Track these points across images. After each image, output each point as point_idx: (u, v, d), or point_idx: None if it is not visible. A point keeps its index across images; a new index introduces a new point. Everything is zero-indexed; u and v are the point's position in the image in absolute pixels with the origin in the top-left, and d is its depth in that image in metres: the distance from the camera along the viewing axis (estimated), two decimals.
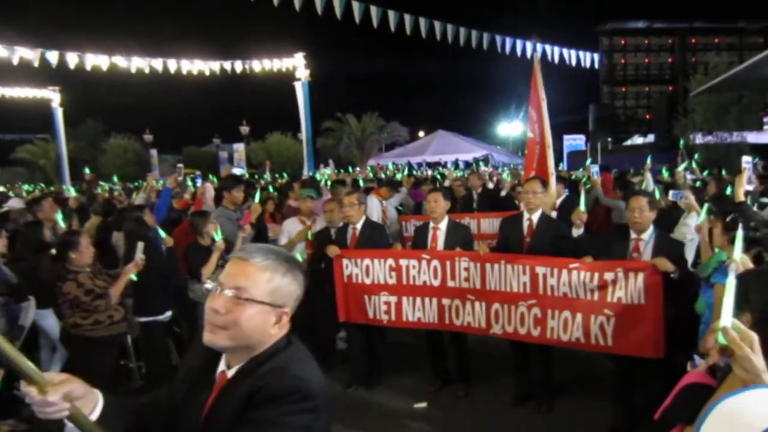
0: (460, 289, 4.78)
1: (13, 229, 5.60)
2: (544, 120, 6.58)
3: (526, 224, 4.79)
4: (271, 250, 1.55)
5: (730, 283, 1.40)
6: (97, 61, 18.71)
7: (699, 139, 22.71)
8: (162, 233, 5.12)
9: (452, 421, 4.58)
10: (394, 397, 5.02)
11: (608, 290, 4.11)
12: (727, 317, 1.36)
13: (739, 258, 2.14)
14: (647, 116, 51.51)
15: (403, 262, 4.97)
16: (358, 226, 5.29)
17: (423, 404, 4.85)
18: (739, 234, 2.11)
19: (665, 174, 10.11)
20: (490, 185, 9.39)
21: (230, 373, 1.51)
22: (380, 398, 5.03)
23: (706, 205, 4.67)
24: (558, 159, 21.47)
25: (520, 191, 5.47)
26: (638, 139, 41.62)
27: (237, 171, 22.11)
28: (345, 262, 5.16)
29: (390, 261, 5.02)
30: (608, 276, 4.10)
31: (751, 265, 2.22)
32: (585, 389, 4.98)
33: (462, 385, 5.06)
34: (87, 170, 16.21)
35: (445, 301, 4.84)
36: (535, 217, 4.77)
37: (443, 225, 5.08)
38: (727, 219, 3.47)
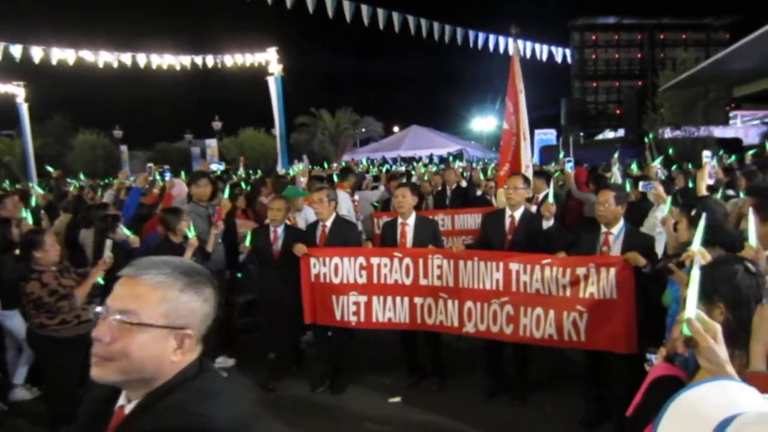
0: (432, 288, 4.73)
1: None
2: (521, 112, 6.56)
3: (508, 221, 4.77)
4: (167, 262, 1.33)
5: (694, 275, 1.42)
6: (63, 55, 18.21)
7: (667, 133, 23.24)
8: (128, 232, 4.97)
9: (427, 415, 4.59)
10: (367, 394, 5.01)
11: (580, 286, 4.13)
12: (691, 308, 1.37)
13: (698, 249, 2.18)
14: (617, 111, 52.42)
15: (374, 261, 4.88)
16: (328, 223, 5.16)
17: (397, 399, 4.86)
18: (701, 226, 2.15)
19: (635, 168, 10.31)
20: (464, 183, 9.38)
21: (128, 408, 1.30)
22: (354, 395, 5.02)
23: (669, 198, 4.76)
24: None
25: (491, 186, 5.47)
26: (609, 134, 42.34)
27: (215, 166, 21.80)
28: (312, 261, 5.03)
29: (360, 259, 4.91)
30: (580, 271, 4.12)
31: (709, 257, 2.27)
32: (557, 382, 5.04)
33: (436, 379, 5.06)
34: (51, 168, 15.74)
35: (417, 300, 4.78)
36: (518, 213, 4.74)
37: (411, 221, 5.03)
38: (692, 213, 3.55)
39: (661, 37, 57.92)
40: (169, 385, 1.28)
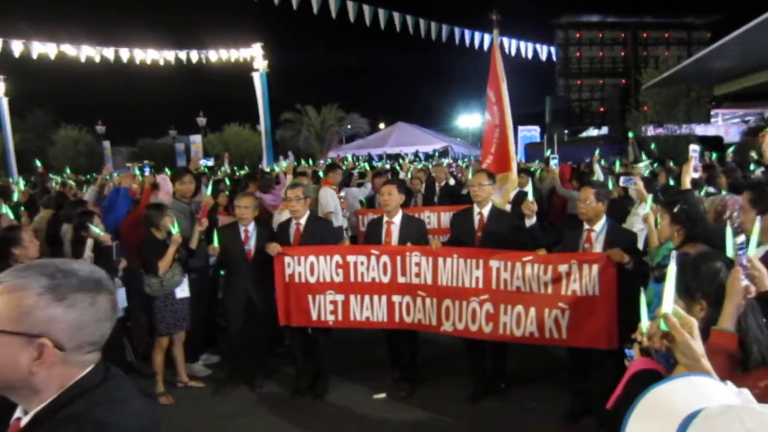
0: (410, 285, 4.63)
1: None
2: (504, 102, 6.26)
3: (476, 218, 4.71)
4: (36, 266, 1.22)
5: (671, 271, 1.45)
6: (44, 49, 17.94)
7: (650, 131, 23.57)
8: (97, 230, 4.81)
9: (411, 411, 4.61)
10: (351, 391, 5.00)
11: (562, 283, 4.11)
12: (668, 304, 1.40)
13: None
14: (601, 109, 52.93)
15: (350, 259, 4.75)
16: (302, 221, 4.98)
17: (382, 395, 4.86)
18: (669, 277, 1.69)
19: (618, 165, 10.42)
20: (452, 181, 9.36)
21: (24, 421, 1.23)
22: (338, 392, 5.00)
23: (650, 196, 4.82)
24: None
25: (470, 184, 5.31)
26: (593, 131, 42.79)
27: (204, 162, 21.62)
28: (287, 260, 4.86)
29: (337, 258, 4.77)
30: (562, 268, 4.11)
31: (688, 317, 2.22)
32: (539, 376, 5.07)
33: (406, 385, 4.87)
34: (38, 163, 15.48)
35: (395, 299, 4.67)
36: (486, 210, 4.69)
37: (397, 219, 4.88)
38: (674, 210, 3.58)
39: (644, 35, 58.61)
40: (68, 395, 1.20)
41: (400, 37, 16.52)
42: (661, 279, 2.57)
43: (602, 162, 9.76)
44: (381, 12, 15.54)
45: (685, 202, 3.45)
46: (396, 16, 15.91)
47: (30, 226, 5.31)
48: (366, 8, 15.11)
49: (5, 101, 25.95)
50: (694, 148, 5.09)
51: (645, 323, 1.64)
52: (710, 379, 1.00)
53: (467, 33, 17.93)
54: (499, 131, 6.42)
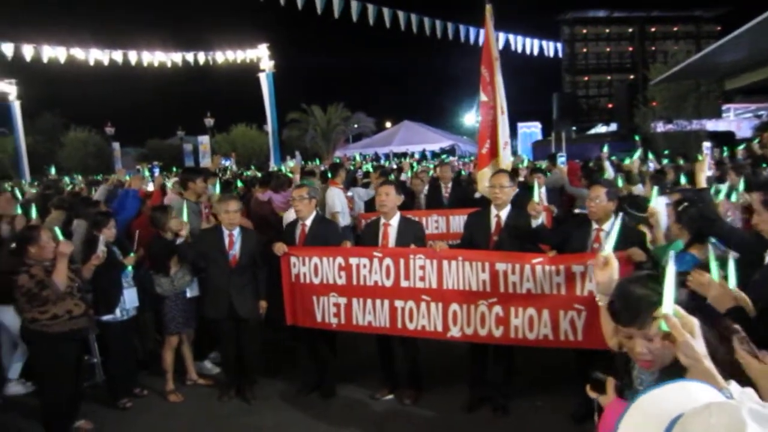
0: (414, 290, 4.43)
1: None
2: (496, 80, 6.04)
3: (493, 221, 4.50)
4: None
5: (669, 272, 1.45)
6: (54, 53, 18.12)
7: (660, 127, 23.35)
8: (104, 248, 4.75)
9: (419, 410, 4.62)
10: (357, 390, 5.00)
11: (577, 284, 3.97)
12: (668, 304, 1.40)
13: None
14: (609, 105, 52.57)
15: (353, 261, 4.61)
16: (308, 221, 4.91)
17: (390, 396, 4.84)
18: (669, 277, 1.56)
19: (627, 162, 10.37)
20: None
21: None
22: (344, 391, 5.00)
23: (655, 189, 4.76)
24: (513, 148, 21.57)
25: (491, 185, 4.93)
26: (601, 128, 42.48)
27: (226, 162, 21.73)
28: (292, 260, 4.81)
29: (339, 260, 4.65)
30: (577, 269, 3.96)
31: (689, 317, 2.17)
32: (546, 377, 5.01)
33: (411, 392, 4.78)
34: (53, 170, 15.68)
35: (398, 303, 4.47)
36: (504, 213, 4.48)
37: (394, 221, 4.70)
38: (679, 208, 3.55)
39: (652, 29, 58.03)
40: None
41: (406, 35, 16.53)
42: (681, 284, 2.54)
43: (613, 157, 9.69)
44: (386, 11, 15.55)
45: (700, 201, 3.41)
46: (401, 14, 15.90)
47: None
48: (370, 7, 15.11)
49: (17, 104, 26.31)
50: (707, 146, 5.03)
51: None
52: (702, 385, 1.00)
53: (472, 31, 17.89)
54: (493, 113, 6.15)
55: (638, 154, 8.00)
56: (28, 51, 17.52)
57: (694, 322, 1.39)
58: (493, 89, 6.10)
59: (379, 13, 15.32)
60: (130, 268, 4.94)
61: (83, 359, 4.86)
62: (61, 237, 4.29)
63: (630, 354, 1.74)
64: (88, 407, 4.68)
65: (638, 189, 6.20)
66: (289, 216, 5.78)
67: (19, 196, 7.98)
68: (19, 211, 5.82)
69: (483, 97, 6.32)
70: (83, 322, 4.28)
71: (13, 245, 4.42)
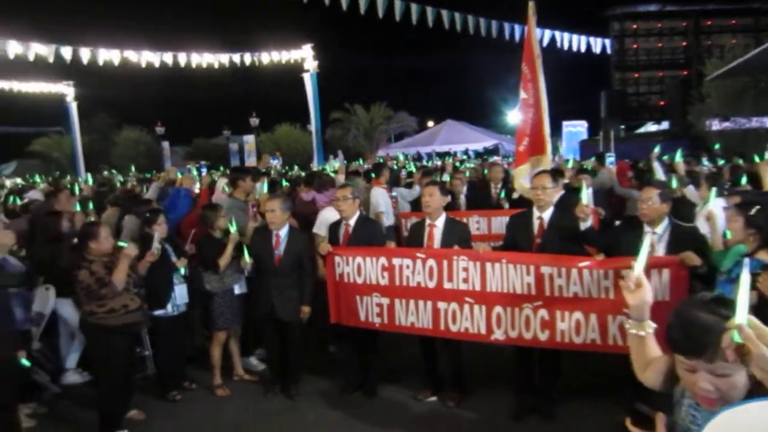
0: (457, 291, 4.39)
1: (32, 220, 5.80)
2: (538, 78, 5.99)
3: (536, 223, 4.42)
4: None
5: (744, 280, 1.36)
6: (108, 55, 18.85)
7: (715, 125, 22.35)
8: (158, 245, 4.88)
9: (462, 413, 4.58)
10: (401, 391, 4.99)
11: None
12: (742, 314, 1.31)
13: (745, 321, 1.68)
14: (660, 102, 50.76)
15: (396, 262, 4.62)
16: (351, 221, 4.95)
17: (433, 398, 4.82)
18: (743, 282, 1.46)
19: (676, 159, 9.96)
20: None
21: None
22: (388, 390, 5.02)
23: (714, 190, 4.54)
24: (555, 146, 21.04)
25: (533, 187, 4.78)
26: (652, 127, 41.01)
27: (274, 162, 22.14)
28: (336, 259, 4.85)
29: (382, 260, 4.66)
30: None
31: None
32: (592, 384, 4.87)
33: (455, 394, 4.75)
34: (112, 171, 16.42)
35: (441, 305, 4.45)
36: (547, 215, 4.39)
37: (440, 222, 4.67)
38: (750, 213, 3.36)
39: (707, 23, 55.73)
40: None
41: (449, 34, 16.40)
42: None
43: (665, 157, 9.30)
44: (429, 10, 15.48)
45: (765, 202, 3.25)
46: (444, 13, 15.80)
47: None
48: (413, 6, 15.07)
49: (74, 105, 27.57)
50: None
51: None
52: None
53: (517, 28, 17.59)
54: (534, 110, 6.11)
55: (680, 153, 7.58)
56: (85, 54, 18.28)
57: None
58: (534, 87, 6.04)
59: (422, 12, 15.28)
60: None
61: (136, 352, 5.04)
62: (125, 244, 4.42)
63: (689, 389, 1.54)
64: (139, 398, 4.85)
65: (690, 191, 5.96)
66: (324, 215, 5.77)
67: (76, 190, 8.34)
68: (78, 207, 6.10)
69: (523, 95, 6.26)
70: (138, 316, 4.43)
71: (75, 241, 4.63)
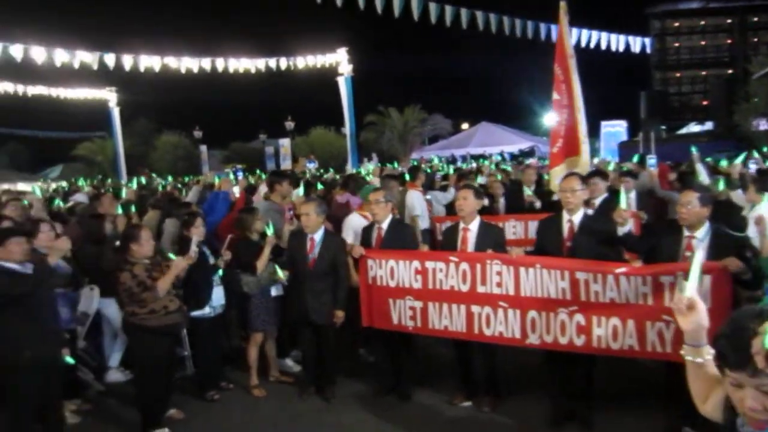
0: (491, 296, 4.35)
1: (77, 222, 6.04)
2: (572, 79, 5.91)
3: (566, 226, 4.35)
4: None
5: None
6: (150, 62, 19.38)
7: (763, 125, 21.53)
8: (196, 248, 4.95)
9: (497, 419, 4.53)
10: (435, 395, 4.97)
11: (666, 294, 3.73)
12: None
13: None
14: (704, 102, 49.17)
15: (429, 265, 4.60)
16: (384, 225, 4.98)
17: (468, 403, 4.77)
18: None
19: (724, 164, 9.64)
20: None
21: None
22: (423, 394, 5.00)
23: (766, 195, 4.40)
24: (594, 148, 20.52)
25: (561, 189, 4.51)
26: (694, 127, 39.75)
27: (310, 165, 22.48)
28: (369, 263, 4.87)
29: (415, 263, 4.66)
30: (665, 279, 3.74)
31: None
32: (629, 392, 4.75)
33: (489, 399, 4.69)
34: (154, 175, 16.92)
35: (474, 309, 4.41)
36: (577, 218, 4.32)
37: (474, 226, 4.63)
38: None
39: (754, 19, 53.71)
40: None
41: (483, 36, 16.25)
42: None
43: (708, 159, 8.99)
44: (463, 12, 15.38)
45: None
46: (478, 15, 15.67)
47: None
48: (447, 9, 15.00)
49: (116, 111, 28.52)
50: None
51: None
52: None
53: (553, 29, 17.31)
54: (568, 111, 6.04)
55: (742, 158, 7.34)
56: (127, 61, 18.87)
57: None
58: (568, 87, 5.98)
59: (456, 13, 15.19)
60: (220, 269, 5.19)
61: (175, 352, 5.17)
62: (173, 257, 4.57)
63: (738, 407, 1.42)
64: (178, 398, 4.97)
65: (737, 195, 5.75)
66: (350, 221, 5.71)
67: (124, 194, 8.60)
68: (120, 211, 6.29)
69: (556, 96, 6.20)
70: (177, 317, 4.54)
71: (117, 243, 4.77)
